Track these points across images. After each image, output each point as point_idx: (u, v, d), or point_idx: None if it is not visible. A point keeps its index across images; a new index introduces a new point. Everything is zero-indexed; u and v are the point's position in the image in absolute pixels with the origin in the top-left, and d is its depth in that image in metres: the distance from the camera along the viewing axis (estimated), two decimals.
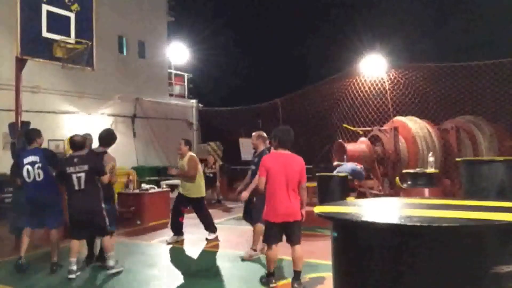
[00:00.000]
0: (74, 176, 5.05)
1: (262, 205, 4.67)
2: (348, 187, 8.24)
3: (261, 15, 28.43)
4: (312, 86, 13.83)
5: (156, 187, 9.68)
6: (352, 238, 2.31)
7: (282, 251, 6.03)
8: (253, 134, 6.16)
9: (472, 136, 9.85)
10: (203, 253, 6.39)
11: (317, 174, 9.19)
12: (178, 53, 19.26)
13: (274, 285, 4.57)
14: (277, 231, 4.48)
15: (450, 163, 9.65)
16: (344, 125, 11.64)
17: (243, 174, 16.58)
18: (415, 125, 9.93)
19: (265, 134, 6.15)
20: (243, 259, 5.75)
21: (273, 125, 14.61)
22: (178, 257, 6.25)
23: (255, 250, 5.83)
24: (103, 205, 5.17)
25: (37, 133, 5.71)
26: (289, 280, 4.64)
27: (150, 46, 16.80)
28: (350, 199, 7.22)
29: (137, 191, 9.23)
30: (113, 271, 5.17)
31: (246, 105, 16.39)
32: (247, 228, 7.96)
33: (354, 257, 2.28)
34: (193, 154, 7.07)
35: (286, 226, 4.44)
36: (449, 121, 10.42)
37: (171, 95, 18.11)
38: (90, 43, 7.44)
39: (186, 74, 19.66)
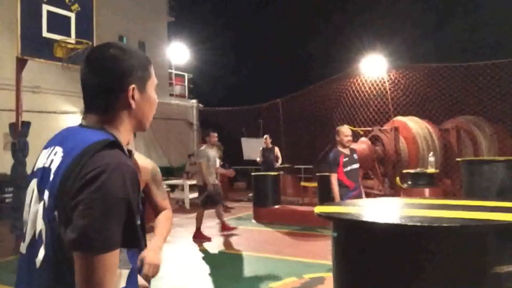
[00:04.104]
0: None
1: None
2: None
3: (261, 15, 28.45)
4: (313, 86, 13.83)
5: None
6: (352, 238, 2.31)
7: (282, 251, 6.03)
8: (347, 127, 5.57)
9: (472, 136, 9.84)
10: (203, 253, 6.39)
11: (317, 174, 9.20)
12: (178, 53, 19.25)
13: None
14: None
15: (450, 163, 9.65)
16: (345, 125, 11.64)
17: (243, 173, 16.58)
18: (415, 125, 9.93)
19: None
20: None
21: (274, 125, 14.67)
22: (177, 257, 6.25)
23: None
24: None
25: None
26: (289, 280, 4.64)
27: (150, 46, 16.80)
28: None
29: None
30: None
31: (246, 105, 16.39)
32: (247, 228, 7.97)
33: (354, 257, 2.28)
34: None
35: None
36: (450, 121, 10.42)
37: (171, 95, 18.12)
38: (90, 43, 7.45)
39: (186, 74, 19.67)
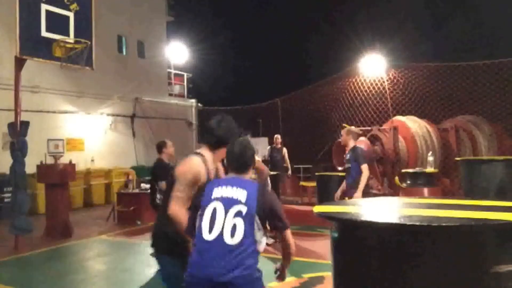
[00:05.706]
0: None
1: None
2: None
3: (260, 15, 28.44)
4: (312, 85, 13.83)
5: None
6: (352, 238, 2.30)
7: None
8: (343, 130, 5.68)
9: (471, 136, 9.85)
10: None
11: (316, 173, 9.20)
12: (177, 52, 19.24)
13: None
14: None
15: (449, 163, 9.65)
16: (344, 125, 11.65)
17: None
18: (414, 124, 9.93)
19: (355, 129, 5.70)
20: None
21: (273, 125, 14.65)
22: None
23: None
24: None
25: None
26: (288, 279, 4.63)
27: (149, 45, 16.78)
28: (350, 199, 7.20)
29: (136, 190, 9.21)
30: None
31: (246, 104, 16.38)
32: None
33: (354, 257, 2.28)
34: None
35: None
36: (449, 121, 10.42)
37: (170, 94, 18.10)
38: (89, 42, 7.44)
39: (185, 74, 19.65)
